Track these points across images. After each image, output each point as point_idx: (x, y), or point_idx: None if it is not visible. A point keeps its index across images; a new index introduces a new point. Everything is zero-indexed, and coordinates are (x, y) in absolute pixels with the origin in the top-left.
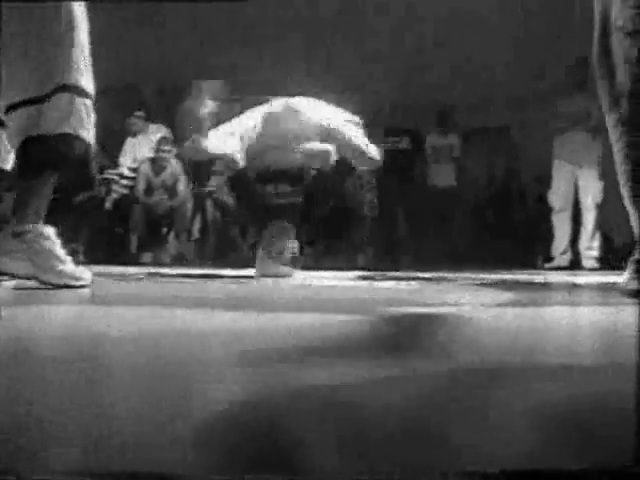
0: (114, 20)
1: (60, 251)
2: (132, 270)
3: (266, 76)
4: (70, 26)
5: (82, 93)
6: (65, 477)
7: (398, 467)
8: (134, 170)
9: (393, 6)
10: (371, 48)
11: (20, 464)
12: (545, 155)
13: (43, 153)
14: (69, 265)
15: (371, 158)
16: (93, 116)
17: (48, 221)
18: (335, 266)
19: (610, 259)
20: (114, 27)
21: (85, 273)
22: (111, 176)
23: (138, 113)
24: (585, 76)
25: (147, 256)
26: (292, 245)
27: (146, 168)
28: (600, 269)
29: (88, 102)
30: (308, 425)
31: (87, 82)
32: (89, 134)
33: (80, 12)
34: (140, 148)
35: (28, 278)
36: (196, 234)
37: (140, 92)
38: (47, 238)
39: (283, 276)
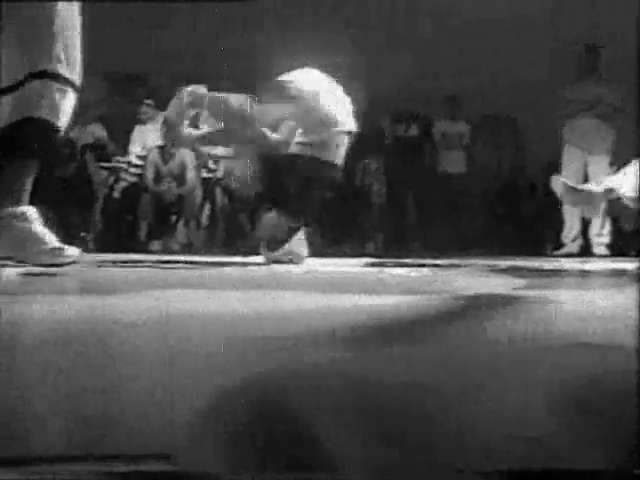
0: (123, 8)
1: (41, 230)
2: (141, 257)
3: (274, 61)
4: (55, 17)
5: (61, 80)
6: (64, 463)
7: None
8: (143, 158)
9: None
10: (381, 35)
11: (16, 451)
12: (555, 141)
13: (13, 137)
14: (53, 243)
15: (325, 162)
16: (71, 104)
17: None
18: (344, 253)
19: (620, 246)
20: (123, 15)
21: (71, 250)
22: (120, 164)
23: (148, 101)
24: (596, 62)
25: (156, 244)
26: (301, 231)
27: (155, 156)
28: (611, 256)
29: (69, 89)
30: (321, 412)
31: (71, 72)
32: (60, 121)
33: (70, 7)
34: (149, 136)
35: (11, 259)
36: (205, 222)
37: (148, 80)
38: (25, 219)
39: (295, 262)
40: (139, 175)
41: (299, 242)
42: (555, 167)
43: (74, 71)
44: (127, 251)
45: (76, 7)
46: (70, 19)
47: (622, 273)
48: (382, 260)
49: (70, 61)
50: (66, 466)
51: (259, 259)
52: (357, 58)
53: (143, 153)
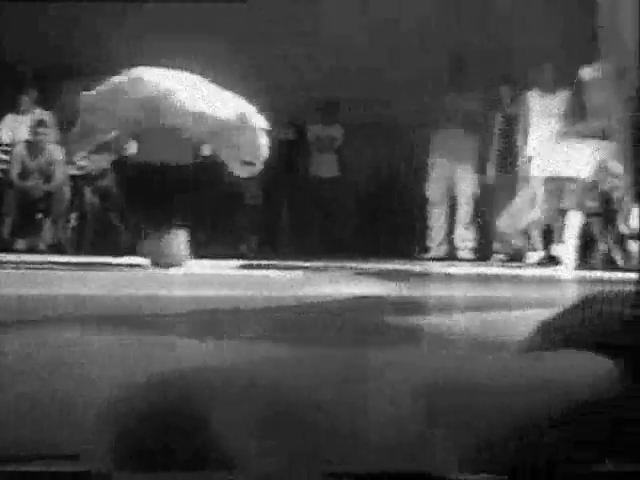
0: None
1: None
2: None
3: (140, 58)
4: None
5: None
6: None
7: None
8: (6, 152)
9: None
10: (262, 42)
11: None
12: (425, 149)
13: None
14: None
15: (248, 163)
16: None
17: None
18: (217, 254)
19: (485, 250)
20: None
21: None
22: None
23: (29, 93)
24: (461, 73)
25: (21, 242)
26: (182, 235)
27: (22, 150)
28: (475, 260)
29: None
30: (219, 408)
31: None
32: None
33: None
34: (20, 128)
35: None
36: (73, 221)
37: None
38: None
39: (176, 265)
40: (3, 170)
41: (158, 243)
42: (424, 173)
43: None
44: None
45: None
46: None
47: (487, 278)
48: (255, 262)
49: None
50: None
51: (132, 260)
52: (236, 62)
53: (8, 148)
